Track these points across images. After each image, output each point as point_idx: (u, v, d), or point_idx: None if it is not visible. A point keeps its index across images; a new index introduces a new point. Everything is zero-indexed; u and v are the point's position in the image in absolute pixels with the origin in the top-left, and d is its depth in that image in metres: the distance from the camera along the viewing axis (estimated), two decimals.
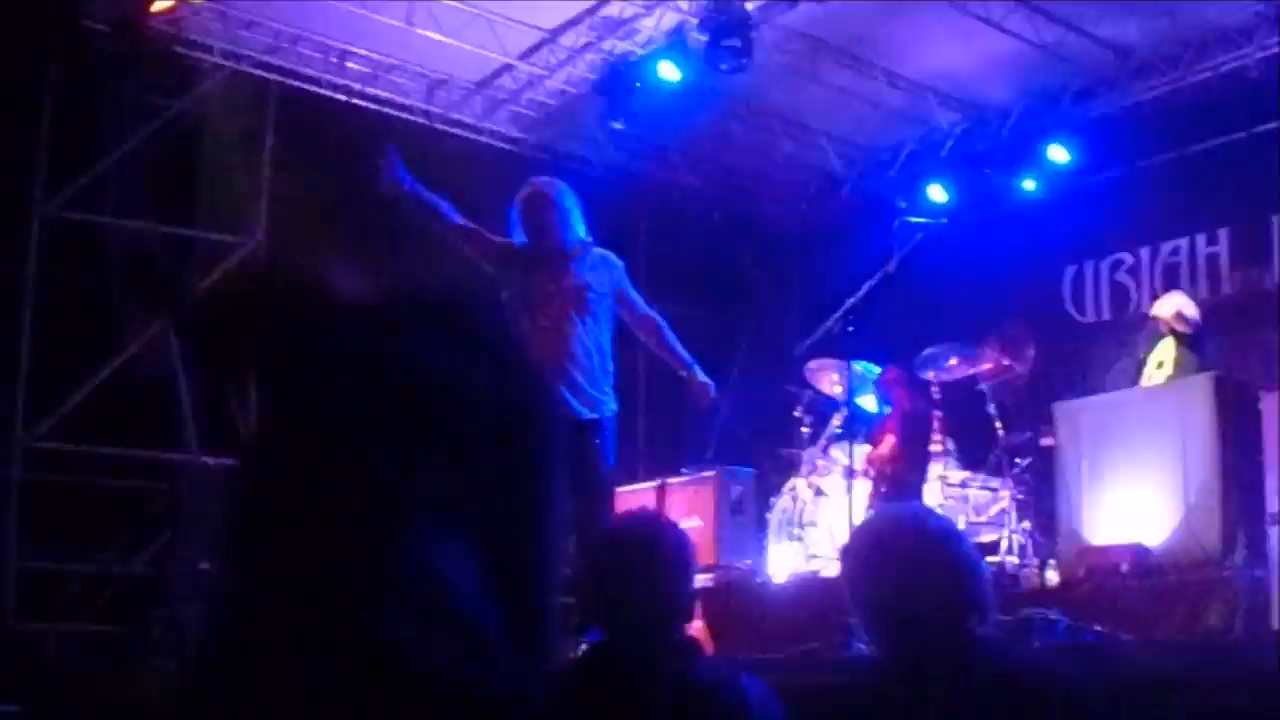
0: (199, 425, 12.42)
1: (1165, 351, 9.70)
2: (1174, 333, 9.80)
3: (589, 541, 4.15)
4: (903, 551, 3.28)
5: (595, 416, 7.82)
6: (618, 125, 12.99)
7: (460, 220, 8.23)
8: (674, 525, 3.95)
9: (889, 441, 10.92)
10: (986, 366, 10.44)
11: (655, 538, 3.78)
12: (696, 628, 10.02)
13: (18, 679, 8.20)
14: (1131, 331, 10.92)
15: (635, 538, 3.81)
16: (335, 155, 12.70)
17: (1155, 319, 10.11)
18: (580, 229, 8.06)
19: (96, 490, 11.87)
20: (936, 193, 13.82)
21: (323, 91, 13.21)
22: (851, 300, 8.53)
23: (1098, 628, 6.50)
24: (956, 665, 3.15)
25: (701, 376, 8.15)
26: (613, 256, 8.12)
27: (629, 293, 8.12)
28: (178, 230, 12.61)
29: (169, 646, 9.96)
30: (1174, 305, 9.95)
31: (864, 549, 3.46)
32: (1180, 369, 9.43)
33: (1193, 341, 9.72)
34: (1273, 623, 7.38)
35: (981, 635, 3.30)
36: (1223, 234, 12.55)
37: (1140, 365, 9.98)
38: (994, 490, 10.12)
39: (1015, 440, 10.24)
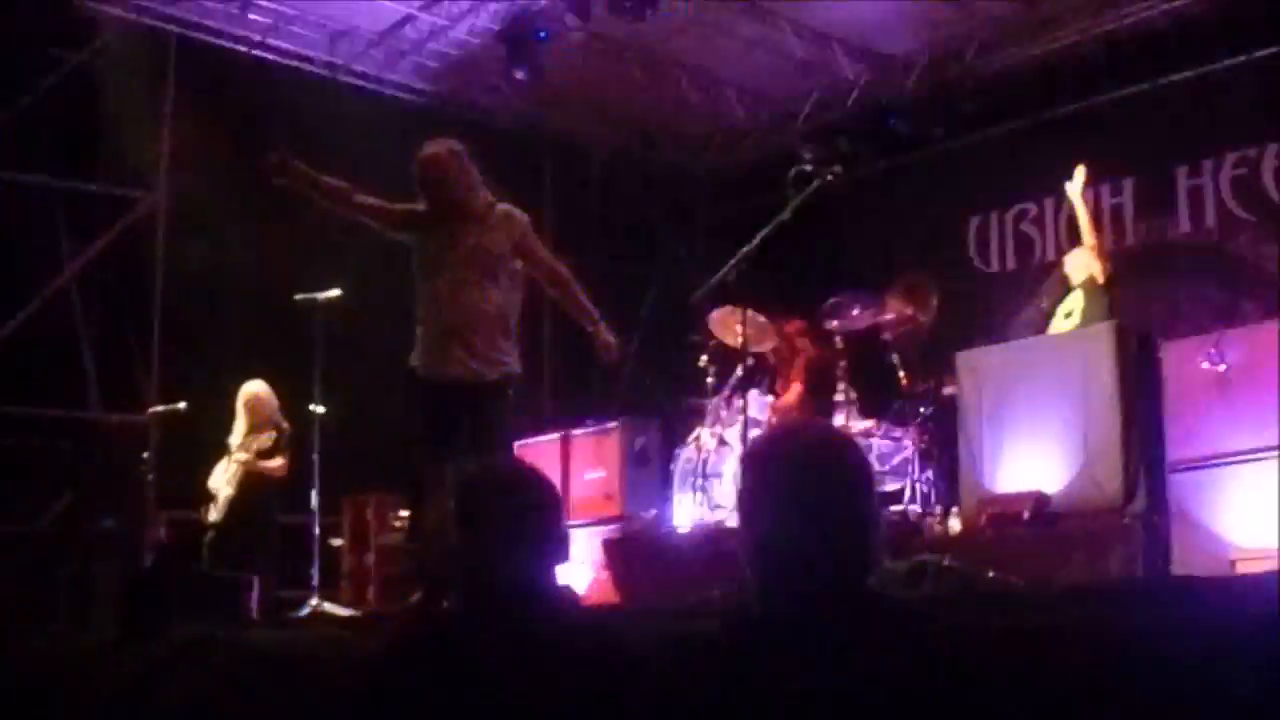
0: (101, 384, 12.29)
1: (1074, 301, 9.72)
2: (1083, 286, 9.80)
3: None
4: (808, 470, 3.14)
5: (495, 378, 7.71)
6: (520, 75, 12.93)
7: (361, 198, 8.08)
8: (535, 470, 3.88)
9: (795, 390, 10.93)
10: (890, 316, 10.44)
11: (516, 485, 3.74)
12: (600, 578, 10.04)
13: None
14: (1036, 281, 10.93)
15: (495, 485, 3.77)
16: (237, 108, 12.58)
17: (1065, 275, 10.09)
18: (479, 188, 7.90)
19: None
20: (842, 144, 13.77)
21: (224, 44, 13.07)
22: (746, 249, 8.45)
23: (992, 574, 6.50)
24: (844, 611, 3.06)
25: (607, 333, 8.01)
26: (516, 212, 7.95)
27: (533, 247, 7.97)
28: (78, 185, 12.41)
29: (75, 607, 9.87)
30: (1086, 270, 9.92)
31: (767, 459, 3.29)
32: (1088, 319, 9.43)
33: (1101, 292, 9.71)
34: (1172, 569, 7.43)
35: (870, 584, 3.21)
36: (1127, 184, 12.61)
37: (1047, 316, 9.99)
38: (897, 439, 10.13)
39: (918, 389, 10.26)
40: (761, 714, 2.91)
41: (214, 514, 11.04)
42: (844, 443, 3.30)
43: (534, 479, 3.79)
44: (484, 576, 3.62)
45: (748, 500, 3.19)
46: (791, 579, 3.05)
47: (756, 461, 3.25)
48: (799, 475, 3.08)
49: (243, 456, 10.94)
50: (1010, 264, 13.41)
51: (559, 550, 3.71)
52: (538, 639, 3.47)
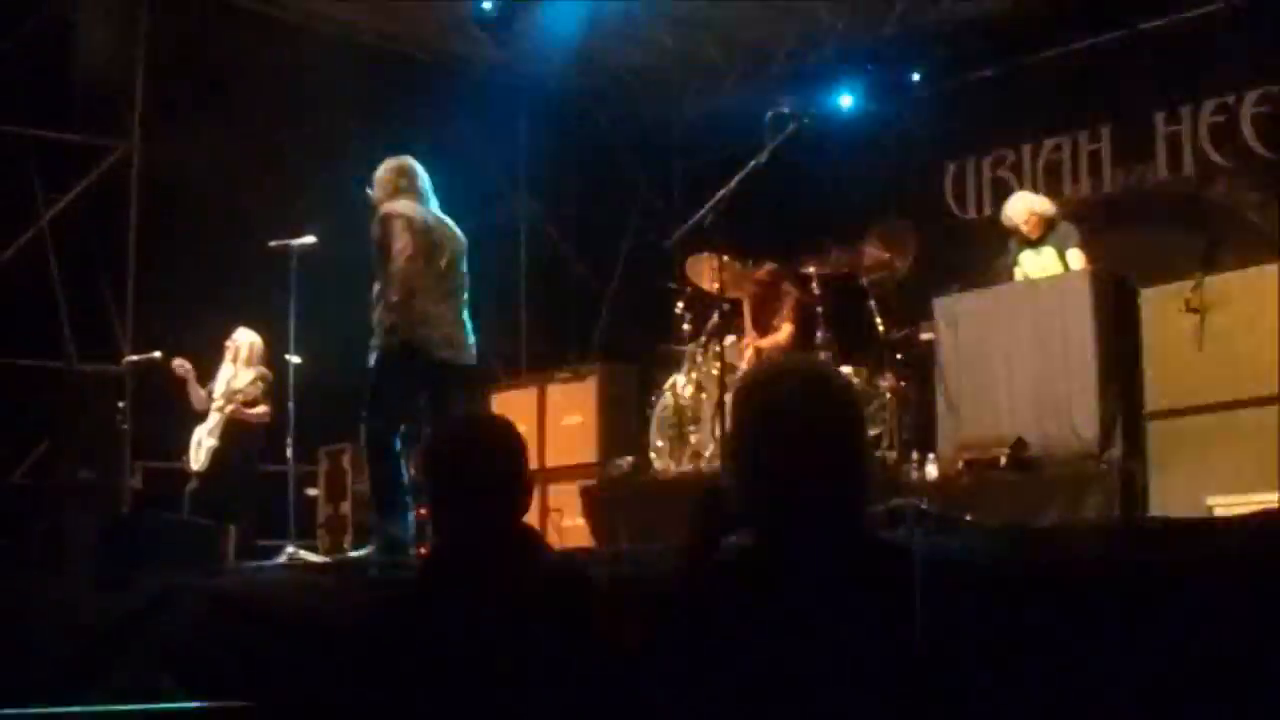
0: (76, 333, 12.23)
1: (1051, 263, 9.73)
2: (1042, 239, 9.84)
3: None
4: (799, 403, 3.06)
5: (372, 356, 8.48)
6: (493, 20, 12.83)
7: None
8: (501, 419, 3.89)
9: (786, 331, 10.88)
10: (867, 262, 10.40)
11: (478, 434, 3.75)
12: (578, 524, 10.05)
13: None
14: (1013, 228, 10.90)
15: (462, 435, 3.78)
16: (211, 55, 12.48)
17: (1016, 229, 10.12)
18: (386, 200, 8.58)
19: None
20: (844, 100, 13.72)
21: None
22: (722, 191, 8.42)
23: (969, 517, 6.50)
24: (835, 546, 3.00)
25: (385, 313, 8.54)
26: (381, 212, 8.50)
27: (383, 244, 8.43)
28: (52, 134, 12.33)
29: (50, 557, 9.84)
30: (1025, 207, 9.98)
31: (758, 394, 3.21)
32: None
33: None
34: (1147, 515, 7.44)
35: (859, 520, 3.16)
36: (1105, 131, 12.56)
37: (1012, 264, 10.03)
38: (874, 385, 10.09)
39: (895, 335, 10.23)
40: (753, 654, 2.89)
41: (195, 463, 11.04)
42: (834, 376, 3.26)
43: (497, 428, 3.79)
44: (449, 522, 3.63)
45: (738, 437, 3.13)
46: (785, 514, 3.00)
47: (748, 397, 3.18)
48: (790, 409, 3.02)
49: (227, 405, 10.94)
50: (987, 210, 13.34)
51: (521, 497, 3.72)
52: (500, 582, 3.46)
